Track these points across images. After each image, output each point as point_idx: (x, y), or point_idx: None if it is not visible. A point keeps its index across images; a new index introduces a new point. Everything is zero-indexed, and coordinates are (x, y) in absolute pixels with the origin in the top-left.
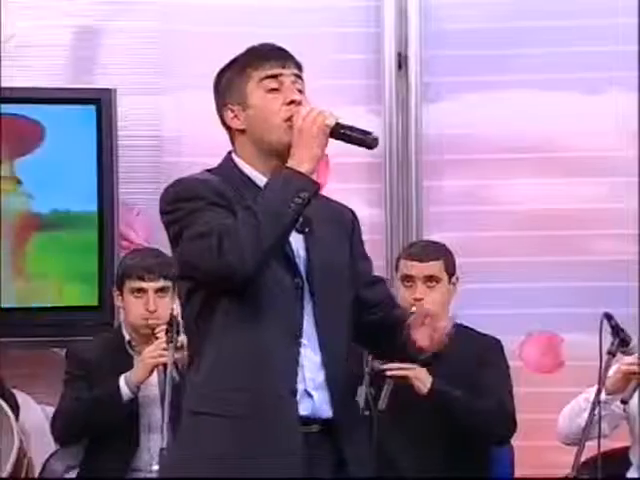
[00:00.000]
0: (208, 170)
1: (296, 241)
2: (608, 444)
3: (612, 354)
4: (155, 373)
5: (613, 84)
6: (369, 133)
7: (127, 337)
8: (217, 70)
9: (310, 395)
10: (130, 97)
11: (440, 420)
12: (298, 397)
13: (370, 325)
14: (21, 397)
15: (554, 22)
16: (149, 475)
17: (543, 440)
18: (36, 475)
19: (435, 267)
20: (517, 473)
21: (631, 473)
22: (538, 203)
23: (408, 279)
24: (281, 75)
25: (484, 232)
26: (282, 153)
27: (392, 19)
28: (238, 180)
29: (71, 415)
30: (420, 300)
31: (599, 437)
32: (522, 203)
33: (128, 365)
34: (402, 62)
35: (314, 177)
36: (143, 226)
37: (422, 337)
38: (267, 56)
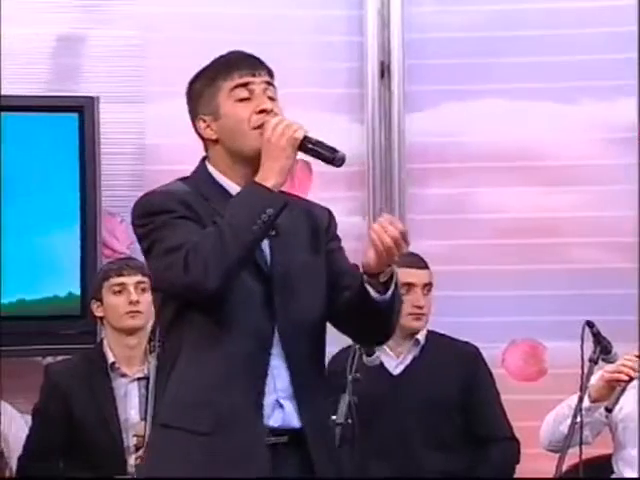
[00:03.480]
0: (182, 179)
1: (264, 246)
2: (591, 451)
3: (594, 362)
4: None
5: (589, 93)
6: (336, 151)
7: (111, 359)
8: None
9: (281, 405)
10: (112, 105)
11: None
12: (268, 409)
13: (346, 307)
14: (2, 406)
15: (533, 32)
16: None
17: (526, 447)
18: None
19: (430, 275)
20: None
21: None
22: (519, 211)
23: (408, 286)
24: (251, 83)
25: (467, 240)
26: (255, 161)
27: (375, 28)
28: (211, 189)
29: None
30: (421, 308)
31: (581, 444)
32: (504, 211)
33: (108, 389)
34: (385, 71)
35: (284, 187)
36: (125, 234)
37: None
38: (236, 65)
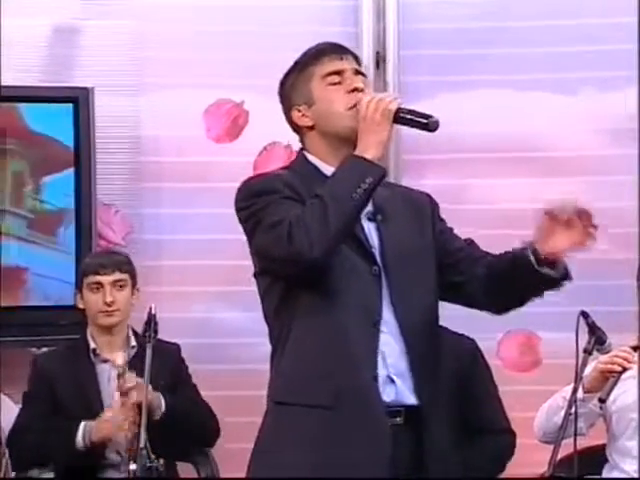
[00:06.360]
0: (282, 168)
1: (370, 230)
2: (585, 442)
3: (588, 352)
4: None
5: (586, 84)
6: (430, 116)
7: (92, 345)
8: (195, 69)
9: (393, 381)
10: (108, 96)
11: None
12: (380, 383)
13: (482, 279)
14: None
15: (529, 22)
16: None
17: (520, 438)
18: (12, 475)
19: None
20: None
21: (606, 470)
22: (515, 202)
23: None
24: (342, 71)
25: (462, 231)
26: (350, 140)
27: (370, 18)
28: (311, 174)
29: (24, 443)
30: None
31: (575, 435)
32: (500, 202)
33: (92, 375)
34: (380, 61)
35: (380, 163)
36: (121, 225)
37: (560, 241)
38: (324, 51)
